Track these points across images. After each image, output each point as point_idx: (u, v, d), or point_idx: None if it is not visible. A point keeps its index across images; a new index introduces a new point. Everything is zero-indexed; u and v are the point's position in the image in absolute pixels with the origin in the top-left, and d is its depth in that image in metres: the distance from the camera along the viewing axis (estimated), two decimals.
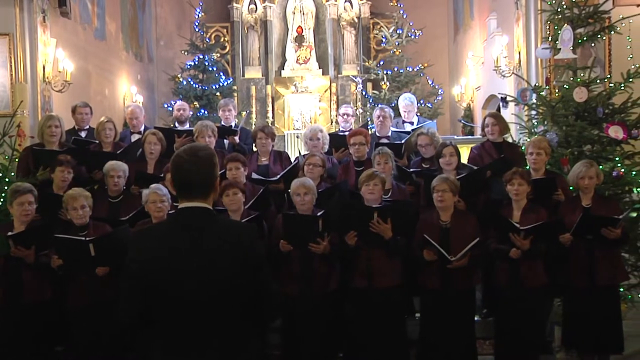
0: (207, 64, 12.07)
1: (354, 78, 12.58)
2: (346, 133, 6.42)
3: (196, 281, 2.25)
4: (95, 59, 10.22)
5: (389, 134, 6.52)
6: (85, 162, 5.66)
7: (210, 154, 2.42)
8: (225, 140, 6.54)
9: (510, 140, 6.27)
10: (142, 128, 6.84)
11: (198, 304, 2.25)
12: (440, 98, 12.27)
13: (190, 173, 2.36)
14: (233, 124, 6.94)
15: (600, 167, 5.20)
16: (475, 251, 4.51)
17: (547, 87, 6.75)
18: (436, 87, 12.35)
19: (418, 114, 8.04)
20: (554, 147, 5.56)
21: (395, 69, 12.20)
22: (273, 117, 12.77)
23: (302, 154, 6.12)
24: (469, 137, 9.69)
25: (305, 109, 12.70)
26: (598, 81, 5.90)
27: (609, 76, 6.62)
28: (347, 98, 12.77)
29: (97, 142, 6.13)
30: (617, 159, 5.52)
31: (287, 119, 12.78)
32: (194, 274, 2.26)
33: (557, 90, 6.44)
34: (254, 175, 5.53)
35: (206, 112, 11.56)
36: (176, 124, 7.48)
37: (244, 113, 11.78)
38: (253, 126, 11.81)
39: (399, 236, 4.57)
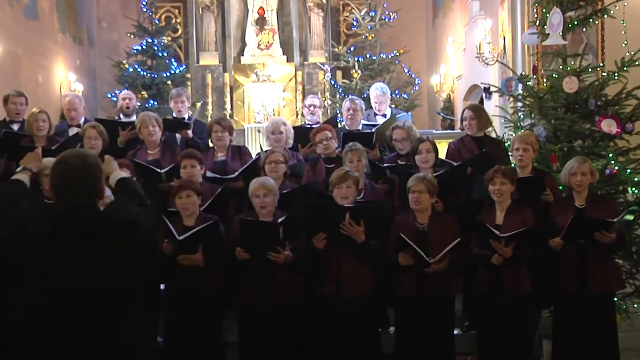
0: (156, 48, 11.94)
1: (321, 66, 12.58)
2: (314, 126, 6.38)
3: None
4: (26, 41, 9.99)
5: (360, 127, 6.52)
6: (16, 158, 5.50)
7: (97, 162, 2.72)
8: (177, 135, 6.46)
9: (493, 135, 6.31)
10: (82, 120, 6.71)
11: None
12: (417, 88, 12.35)
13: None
14: (186, 117, 6.86)
15: (594, 163, 5.26)
16: (455, 254, 4.53)
17: (535, 76, 6.82)
18: (413, 76, 12.42)
19: (392, 106, 8.05)
20: (542, 142, 5.62)
21: (368, 56, 12.23)
22: (231, 108, 12.71)
23: (264, 149, 6.06)
24: (449, 131, 9.76)
25: (268, 100, 12.65)
26: (590, 70, 5.96)
27: (601, 64, 6.71)
28: (314, 88, 12.76)
29: (30, 135, 5.97)
30: (610, 155, 5.57)
31: (247, 111, 12.71)
32: None
33: (545, 80, 6.52)
34: (209, 174, 5.47)
35: (155, 103, 11.42)
36: (121, 116, 7.36)
37: (198, 104, 11.67)
38: (209, 119, 11.71)
39: (372, 240, 4.57)
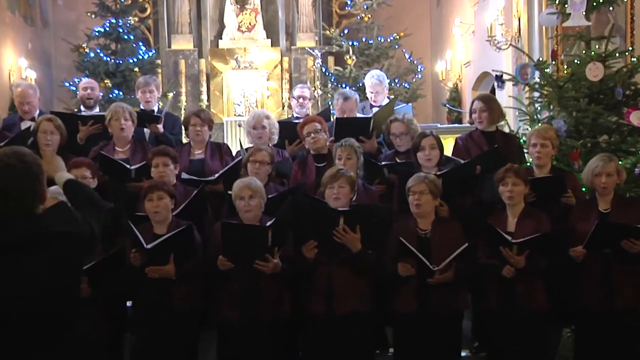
0: (121, 30, 11.91)
1: (311, 51, 12.58)
2: (301, 120, 6.39)
3: None
4: None
5: None
6: None
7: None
8: (145, 130, 6.44)
9: (506, 129, 6.33)
10: (37, 114, 6.68)
11: None
12: (419, 76, 12.39)
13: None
14: (156, 109, 6.87)
15: (620, 162, 5.29)
16: (462, 264, 4.55)
17: (554, 62, 6.86)
18: (415, 62, 12.46)
19: (390, 97, 8.07)
20: (562, 137, 5.65)
21: (364, 40, 12.26)
22: (208, 100, 12.69)
23: (245, 147, 6.07)
24: (456, 125, 9.79)
25: (250, 90, 12.64)
26: (617, 55, 6.01)
27: (630, 49, 6.74)
28: (303, 76, 12.76)
29: None
30: None
31: (226, 103, 12.70)
32: None
33: (565, 67, 6.55)
34: (184, 175, 5.47)
35: (121, 93, 11.40)
36: (82, 108, 7.34)
37: (170, 95, 11.64)
38: (182, 112, 11.69)
39: (369, 249, 4.58)
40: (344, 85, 7.60)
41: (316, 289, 4.62)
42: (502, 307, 4.66)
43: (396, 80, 11.80)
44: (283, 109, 12.48)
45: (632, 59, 6.10)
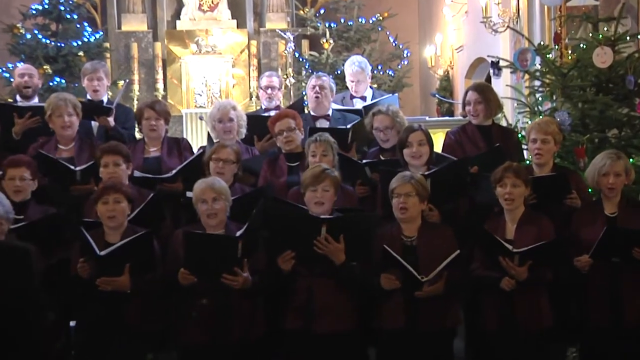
0: (63, 8, 11.80)
1: (282, 33, 12.57)
2: (272, 113, 6.39)
3: None
4: None
5: (329, 113, 6.57)
6: None
7: None
8: (93, 123, 6.41)
9: (504, 123, 6.36)
10: None
11: None
12: (406, 63, 12.44)
13: None
14: (105, 99, 6.82)
15: (631, 160, 5.35)
16: (454, 275, 4.58)
17: (557, 47, 6.89)
18: (400, 47, 12.51)
19: (373, 86, 8.08)
20: (566, 131, 5.69)
21: (342, 21, 12.28)
22: (165, 89, 12.65)
23: (208, 142, 6.06)
24: (447, 118, 9.86)
25: (212, 78, 12.63)
26: (628, 38, 6.06)
27: None
28: (273, 62, 12.77)
29: None
30: None
31: (185, 92, 12.67)
32: None
33: (570, 52, 6.60)
34: (137, 173, 5.45)
35: (63, 81, 11.31)
36: (17, 98, 7.28)
37: (120, 83, 11.58)
38: (135, 102, 11.63)
39: (354, 261, 4.60)
40: (318, 73, 7.63)
41: (294, 305, 4.63)
42: (502, 325, 4.68)
43: (379, 67, 11.84)
44: (251, 99, 12.47)
45: None
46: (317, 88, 6.51)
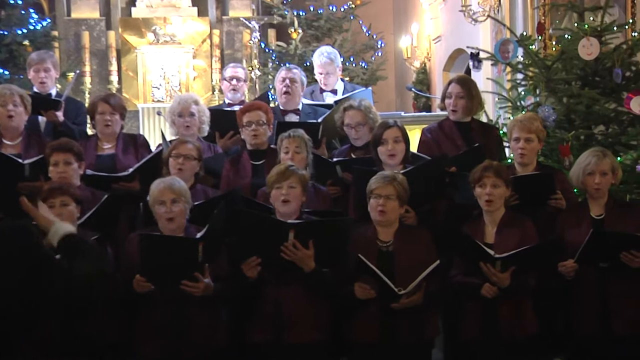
0: None
1: (247, 22, 12.53)
2: (235, 108, 6.37)
3: None
4: None
5: (299, 107, 6.58)
6: None
7: None
8: (40, 118, 6.36)
9: (484, 118, 6.38)
10: None
11: None
12: (380, 54, 12.45)
13: None
14: (54, 92, 6.76)
15: (619, 158, 5.40)
16: (433, 285, 4.59)
17: (540, 37, 6.95)
18: (374, 37, 12.52)
19: (344, 79, 8.09)
20: (550, 128, 5.73)
21: (312, 9, 12.27)
22: (119, 81, 12.58)
23: (167, 139, 6.03)
24: (424, 113, 9.89)
25: (171, 70, 12.57)
26: (615, 29, 6.11)
27: (631, 21, 6.81)
28: (237, 53, 12.74)
29: None
30: None
31: (141, 85, 12.60)
32: None
33: (554, 43, 6.64)
34: (89, 172, 5.41)
35: (7, 73, 11.18)
36: None
37: (70, 75, 11.48)
38: (87, 96, 11.55)
39: (324, 268, 4.60)
40: (287, 65, 7.59)
41: (261, 315, 4.62)
42: (484, 335, 4.69)
43: (351, 59, 11.85)
44: (213, 93, 12.43)
45: (633, 34, 6.18)
46: (287, 81, 6.52)
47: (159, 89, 12.46)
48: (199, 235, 4.49)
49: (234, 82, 7.10)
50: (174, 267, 4.45)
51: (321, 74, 7.20)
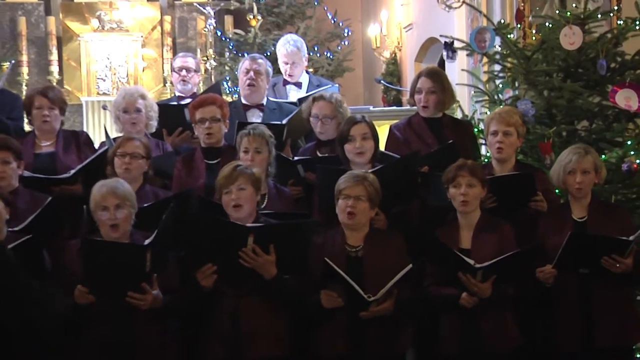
0: None
1: (202, 8, 12.52)
2: (187, 100, 6.34)
3: None
4: None
5: (263, 102, 6.56)
6: None
7: None
8: None
9: (458, 114, 6.41)
10: None
11: None
12: (347, 43, 12.46)
13: None
14: None
15: (603, 156, 5.45)
16: (405, 292, 4.60)
17: (519, 26, 6.97)
18: (340, 25, 12.52)
19: (309, 71, 8.08)
20: (530, 123, 5.77)
21: None
22: (60, 72, 12.49)
23: (112, 136, 6.01)
24: (395, 108, 9.93)
25: (119, 60, 12.51)
26: (600, 16, 6.15)
27: (616, 8, 6.87)
28: (191, 42, 12.71)
29: None
30: (629, 142, 5.77)
31: (85, 77, 12.52)
32: None
33: (534, 32, 6.68)
34: (27, 173, 5.37)
35: None
36: None
37: (5, 65, 11.42)
38: (24, 88, 11.46)
39: (286, 274, 4.59)
40: (250, 54, 7.52)
41: (217, 329, 4.60)
42: (463, 348, 4.72)
43: (315, 49, 11.82)
44: (164, 85, 12.39)
45: (619, 22, 6.20)
46: (251, 73, 6.47)
47: (104, 80, 12.38)
48: (147, 242, 4.46)
49: (184, 72, 7.09)
50: (118, 276, 4.41)
51: (287, 63, 7.19)
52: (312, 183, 5.37)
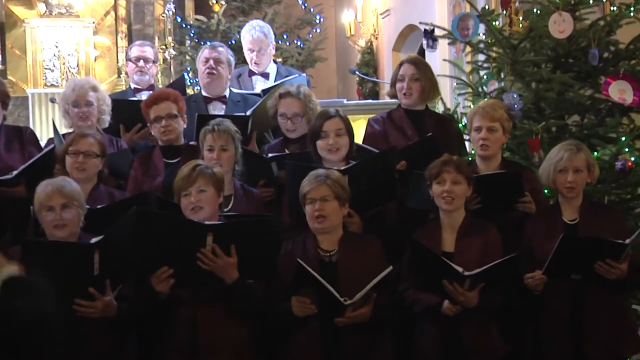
0: None
1: None
2: (144, 93, 6.33)
3: None
4: None
5: (226, 94, 6.56)
6: None
7: None
8: None
9: (440, 107, 6.43)
10: None
11: None
12: (318, 31, 12.47)
13: None
14: None
15: (595, 153, 5.48)
16: (383, 297, 4.60)
17: (505, 12, 7.00)
18: (311, 10, 12.53)
19: (278, 61, 8.08)
20: (517, 118, 5.79)
21: None
22: (4, 61, 12.46)
23: (61, 133, 5.98)
24: (371, 101, 9.93)
25: (68, 48, 12.46)
26: (591, 2, 6.18)
27: None
28: (148, 29, 12.71)
29: None
30: (623, 139, 5.82)
31: (31, 66, 12.49)
32: None
33: (521, 19, 6.71)
34: None
35: None
36: None
37: None
38: None
39: (250, 279, 4.58)
40: (210, 43, 7.50)
41: (174, 339, 4.58)
42: (445, 359, 4.74)
43: (284, 37, 11.84)
44: (119, 76, 12.38)
45: (612, 8, 6.21)
46: (211, 62, 6.44)
47: (52, 71, 12.35)
48: (94, 240, 4.43)
49: (141, 63, 7.07)
50: (63, 280, 4.29)
51: (252, 51, 7.17)
52: (284, 183, 5.37)
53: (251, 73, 7.21)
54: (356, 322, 4.55)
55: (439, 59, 8.13)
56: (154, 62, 7.23)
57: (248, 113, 5.99)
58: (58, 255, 4.42)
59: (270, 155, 5.62)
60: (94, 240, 4.45)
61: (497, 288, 4.69)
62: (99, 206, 4.93)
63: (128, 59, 7.29)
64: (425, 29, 6.69)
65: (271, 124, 5.93)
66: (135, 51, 7.19)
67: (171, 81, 8.72)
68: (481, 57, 6.54)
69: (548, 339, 4.90)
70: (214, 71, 6.46)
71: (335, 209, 4.70)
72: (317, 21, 12.47)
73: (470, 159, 5.62)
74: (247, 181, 5.37)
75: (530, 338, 4.99)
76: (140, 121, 5.95)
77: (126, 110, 6.11)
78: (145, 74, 7.08)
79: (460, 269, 4.59)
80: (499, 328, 4.83)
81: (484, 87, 6.29)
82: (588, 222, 4.94)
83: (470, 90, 6.51)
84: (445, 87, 7.63)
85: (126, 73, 10.63)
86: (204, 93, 6.55)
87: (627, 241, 4.72)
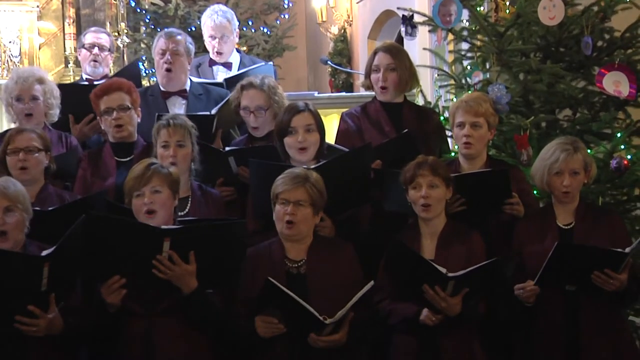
0: None
1: None
2: (97, 83, 6.31)
3: None
4: None
5: (186, 87, 6.56)
6: None
7: None
8: None
9: (420, 100, 6.45)
10: None
11: None
12: (286, 17, 12.48)
13: None
14: None
15: (589, 151, 5.50)
16: (361, 314, 4.58)
17: None
18: None
19: (241, 49, 8.09)
20: (503, 112, 5.80)
21: None
22: None
23: (4, 129, 5.96)
24: (344, 94, 9.96)
25: (9, 35, 12.41)
26: None
27: None
28: (99, 14, 12.66)
29: None
30: (618, 135, 5.85)
31: None
32: None
33: (508, 4, 6.74)
34: None
35: None
36: None
37: None
38: None
39: (210, 288, 4.59)
40: (167, 30, 7.47)
41: (127, 356, 4.57)
42: None
43: (249, 23, 11.85)
44: (67, 66, 12.30)
45: None
46: (168, 56, 6.38)
47: None
48: (44, 253, 4.36)
49: (96, 50, 7.04)
50: (5, 295, 4.30)
51: (214, 37, 7.17)
52: (246, 181, 5.37)
53: (212, 63, 7.20)
54: (331, 347, 4.53)
55: (418, 47, 8.14)
56: (109, 50, 7.20)
57: (213, 112, 5.98)
58: (3, 266, 4.31)
59: (227, 148, 5.64)
60: (45, 252, 4.35)
61: (481, 294, 4.70)
62: (48, 209, 4.90)
63: (81, 46, 7.23)
64: (403, 15, 6.69)
65: (236, 120, 5.93)
66: (89, 37, 7.16)
67: (122, 68, 8.57)
68: (464, 45, 6.57)
69: (539, 354, 4.92)
70: (172, 67, 6.37)
71: (307, 216, 4.69)
72: (286, 6, 12.49)
73: (453, 154, 5.64)
74: (205, 180, 5.38)
75: (519, 352, 5.02)
76: (93, 111, 5.88)
77: (76, 97, 6.07)
78: (99, 64, 7.04)
79: (443, 270, 4.57)
80: (483, 341, 4.84)
81: (468, 79, 6.30)
82: (584, 227, 4.95)
83: (452, 82, 6.53)
84: (426, 78, 7.66)
85: (74, 63, 10.62)
86: (162, 87, 6.48)
87: (628, 250, 4.72)
